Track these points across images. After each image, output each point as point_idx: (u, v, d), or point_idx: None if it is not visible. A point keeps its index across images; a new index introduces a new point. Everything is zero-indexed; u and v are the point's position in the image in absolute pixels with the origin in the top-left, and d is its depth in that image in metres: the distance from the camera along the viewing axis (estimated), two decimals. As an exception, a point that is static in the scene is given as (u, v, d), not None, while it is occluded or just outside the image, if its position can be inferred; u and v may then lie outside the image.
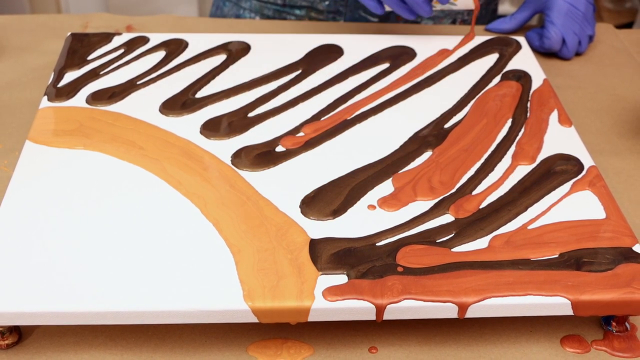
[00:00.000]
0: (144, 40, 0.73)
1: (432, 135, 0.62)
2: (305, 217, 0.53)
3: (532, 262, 0.50)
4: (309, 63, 0.71)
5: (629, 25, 1.83)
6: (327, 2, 0.86)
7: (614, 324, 0.51)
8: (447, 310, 0.47)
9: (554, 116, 0.65)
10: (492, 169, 0.58)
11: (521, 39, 0.76)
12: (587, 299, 0.48)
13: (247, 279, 0.48)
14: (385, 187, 0.56)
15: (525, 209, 0.54)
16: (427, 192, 0.55)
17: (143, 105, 0.64)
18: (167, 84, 0.67)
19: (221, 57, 0.71)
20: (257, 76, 0.68)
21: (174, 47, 0.72)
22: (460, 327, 0.51)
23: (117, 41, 0.73)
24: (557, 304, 0.48)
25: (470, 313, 0.47)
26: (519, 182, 0.57)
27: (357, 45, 0.74)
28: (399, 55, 0.72)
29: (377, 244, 0.51)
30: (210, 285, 0.47)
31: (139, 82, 0.67)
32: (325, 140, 0.61)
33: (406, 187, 0.56)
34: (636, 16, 1.83)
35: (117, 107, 0.64)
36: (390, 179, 0.57)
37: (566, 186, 0.57)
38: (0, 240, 0.50)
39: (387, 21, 0.85)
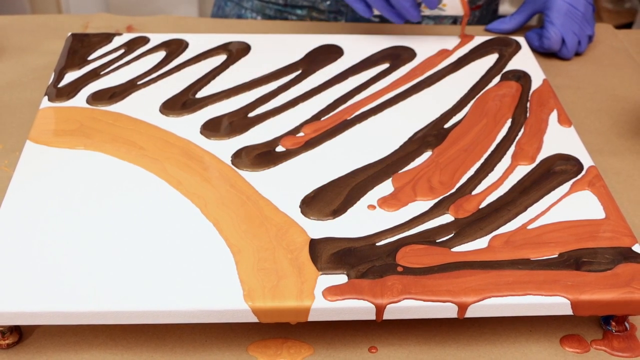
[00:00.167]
0: (144, 40, 0.73)
1: (432, 135, 0.62)
2: (305, 217, 0.53)
3: (531, 262, 0.50)
4: (309, 63, 0.71)
5: (628, 26, 1.83)
6: (328, 2, 0.86)
7: (613, 323, 0.51)
8: (446, 310, 0.47)
9: (553, 116, 0.65)
10: (492, 169, 0.58)
11: (521, 39, 0.76)
12: (587, 298, 0.48)
13: (247, 279, 0.48)
14: (385, 187, 0.56)
15: (525, 209, 0.54)
16: (427, 192, 0.56)
17: (143, 105, 0.64)
18: (168, 84, 0.67)
19: (221, 58, 0.71)
20: (257, 76, 0.69)
21: (175, 48, 0.72)
22: (460, 327, 0.51)
23: (117, 41, 0.73)
24: (557, 304, 0.48)
25: (470, 313, 0.47)
26: (519, 182, 0.57)
27: (357, 45, 0.74)
28: (399, 56, 0.72)
29: (377, 244, 0.51)
30: (211, 285, 0.47)
31: (139, 82, 0.67)
32: (325, 140, 0.61)
33: (406, 187, 0.56)
34: (635, 16, 1.83)
35: (118, 107, 0.64)
36: (390, 179, 0.57)
37: (566, 186, 0.57)
38: (1, 240, 0.50)
39: (388, 21, 0.85)
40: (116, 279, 0.47)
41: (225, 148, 0.59)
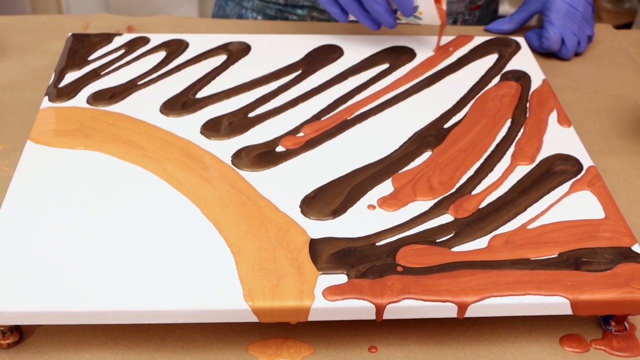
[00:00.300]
0: (144, 40, 0.73)
1: (432, 135, 0.62)
2: (305, 217, 0.53)
3: (531, 262, 0.50)
4: (309, 63, 0.71)
5: (627, 26, 1.83)
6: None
7: (613, 323, 0.51)
8: (446, 309, 0.47)
9: (553, 116, 0.65)
10: (492, 169, 0.58)
11: (520, 40, 0.76)
12: (586, 298, 0.48)
13: (248, 279, 0.48)
14: (385, 187, 0.56)
15: (525, 209, 0.54)
16: (427, 192, 0.56)
17: (144, 105, 0.64)
18: (168, 84, 0.67)
19: (221, 58, 0.71)
20: (257, 76, 0.69)
21: (175, 48, 0.72)
22: (460, 327, 0.51)
23: (117, 42, 0.73)
24: (557, 304, 0.48)
25: (470, 312, 0.48)
26: (519, 182, 0.57)
27: (357, 45, 0.74)
28: (399, 56, 0.73)
29: (377, 244, 0.51)
30: (211, 285, 0.47)
31: (139, 83, 0.67)
32: (325, 140, 0.61)
33: (406, 187, 0.56)
34: (635, 17, 1.83)
35: (118, 107, 0.64)
36: (390, 179, 0.57)
37: (565, 186, 0.57)
38: (1, 240, 0.50)
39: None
40: (116, 278, 0.47)
41: (225, 148, 0.59)
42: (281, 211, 0.53)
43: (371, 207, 0.54)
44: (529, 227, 0.53)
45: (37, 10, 1.81)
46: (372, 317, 0.47)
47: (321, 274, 0.48)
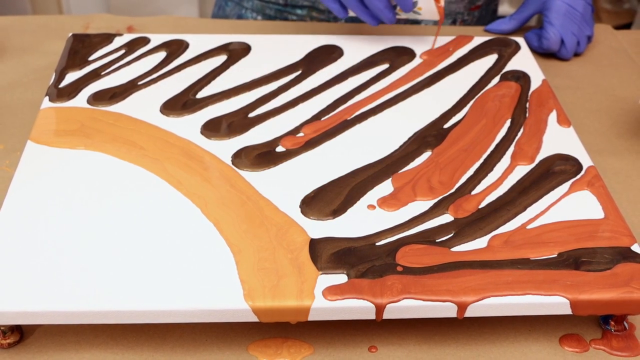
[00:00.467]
0: (144, 41, 0.73)
1: (432, 135, 0.62)
2: (305, 217, 0.53)
3: (531, 262, 0.50)
4: (309, 64, 0.71)
5: (627, 26, 1.83)
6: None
7: (612, 323, 0.51)
8: (446, 309, 0.47)
9: (552, 116, 0.65)
10: (491, 169, 0.58)
11: (520, 40, 0.76)
12: (586, 298, 0.48)
13: (248, 279, 0.48)
14: (385, 187, 0.56)
15: (524, 209, 0.55)
16: (427, 192, 0.56)
17: (144, 105, 0.64)
18: (168, 84, 0.67)
19: (222, 58, 0.72)
20: (257, 77, 0.69)
21: (175, 48, 0.72)
22: (460, 327, 0.51)
23: (118, 42, 0.73)
24: (556, 304, 0.48)
25: (470, 312, 0.48)
26: (518, 182, 0.57)
27: (357, 45, 0.74)
28: (399, 56, 0.73)
29: (377, 244, 0.51)
30: (211, 285, 0.47)
31: (139, 83, 0.67)
32: (325, 140, 0.61)
33: (406, 187, 0.56)
34: (634, 17, 1.83)
35: (118, 107, 0.64)
36: (390, 179, 0.57)
37: (565, 186, 0.57)
38: (2, 240, 0.50)
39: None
40: (117, 278, 0.48)
41: (225, 148, 0.60)
42: (281, 211, 0.53)
43: (371, 207, 0.54)
44: (529, 227, 0.53)
45: (38, 10, 1.81)
46: (372, 316, 0.47)
47: (321, 274, 0.48)
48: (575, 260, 0.50)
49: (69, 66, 0.69)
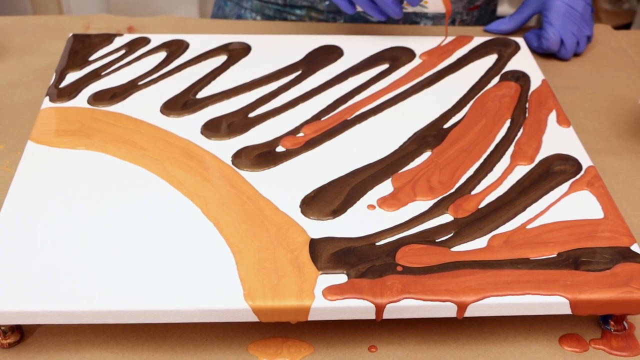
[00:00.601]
0: (145, 41, 0.73)
1: (432, 135, 0.62)
2: (305, 217, 0.53)
3: (530, 262, 0.50)
4: (309, 64, 0.71)
5: (627, 27, 1.83)
6: (327, 2, 0.86)
7: (612, 323, 0.51)
8: (446, 309, 0.48)
9: (552, 116, 0.65)
10: (491, 169, 0.58)
11: (520, 40, 0.76)
12: (586, 298, 0.48)
13: (248, 279, 0.48)
14: (385, 187, 0.56)
15: (524, 209, 0.55)
16: (427, 192, 0.56)
17: (144, 105, 0.64)
18: (168, 84, 0.67)
19: (222, 58, 0.72)
20: (257, 77, 0.69)
21: (175, 48, 0.72)
22: (459, 326, 0.51)
23: (118, 42, 0.73)
24: (556, 303, 0.48)
25: (469, 312, 0.48)
26: (518, 182, 0.57)
27: (357, 46, 0.74)
28: (399, 56, 0.73)
29: (377, 244, 0.51)
30: (211, 285, 0.47)
31: (140, 83, 0.67)
32: (325, 140, 0.61)
33: (405, 187, 0.56)
34: (634, 17, 1.83)
35: (119, 107, 0.64)
36: (390, 179, 0.57)
37: (564, 186, 0.57)
38: (2, 240, 0.50)
39: (387, 22, 0.86)
40: (117, 278, 0.48)
41: (225, 148, 0.60)
42: (281, 211, 0.53)
43: (371, 207, 0.54)
44: (529, 227, 0.53)
45: (38, 10, 1.81)
46: (372, 316, 0.47)
47: (321, 274, 0.49)
48: (574, 260, 0.50)
49: (70, 66, 0.69)
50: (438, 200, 0.55)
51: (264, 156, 0.59)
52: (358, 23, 0.86)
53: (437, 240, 0.52)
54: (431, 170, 0.58)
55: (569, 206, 0.55)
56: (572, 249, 0.51)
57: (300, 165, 0.58)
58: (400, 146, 0.61)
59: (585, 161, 0.60)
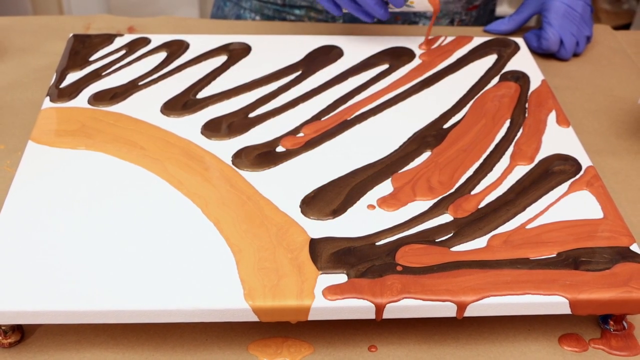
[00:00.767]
0: (145, 41, 0.73)
1: (431, 135, 0.62)
2: (305, 217, 0.53)
3: (530, 262, 0.50)
4: (309, 64, 0.71)
5: (626, 27, 1.84)
6: (326, 3, 0.86)
7: (611, 322, 0.51)
8: (446, 309, 0.48)
9: (552, 117, 0.65)
10: (491, 169, 0.59)
11: (519, 40, 0.76)
12: (585, 298, 0.48)
13: (248, 278, 0.48)
14: (385, 187, 0.56)
15: (524, 209, 0.55)
16: (426, 192, 0.56)
17: (144, 105, 0.64)
18: (169, 84, 0.67)
19: (222, 58, 0.72)
20: (257, 77, 0.69)
21: (175, 48, 0.72)
22: (459, 326, 0.51)
23: (118, 42, 0.73)
24: (555, 303, 0.48)
25: (469, 312, 0.48)
26: (518, 182, 0.57)
27: (357, 46, 0.74)
28: (399, 56, 0.73)
29: (377, 244, 0.51)
30: (211, 285, 0.48)
31: (140, 83, 0.67)
32: (325, 140, 0.61)
33: (405, 187, 0.56)
34: (633, 17, 1.83)
35: (119, 107, 0.64)
36: (390, 179, 0.57)
37: (564, 186, 0.57)
38: (3, 240, 0.50)
39: (386, 22, 0.86)
40: (117, 278, 0.48)
41: (225, 148, 0.60)
42: (281, 211, 0.54)
43: (371, 207, 0.54)
44: (528, 227, 0.53)
45: (38, 11, 1.81)
46: (372, 316, 0.48)
47: (321, 274, 0.49)
48: (574, 260, 0.50)
49: (70, 66, 0.69)
50: (438, 200, 0.55)
51: (264, 156, 0.59)
52: (357, 23, 0.86)
53: (436, 240, 0.52)
54: (431, 170, 0.58)
55: (569, 206, 0.55)
56: (572, 248, 0.51)
57: (300, 165, 0.58)
58: (400, 146, 0.61)
59: (585, 161, 0.60)
